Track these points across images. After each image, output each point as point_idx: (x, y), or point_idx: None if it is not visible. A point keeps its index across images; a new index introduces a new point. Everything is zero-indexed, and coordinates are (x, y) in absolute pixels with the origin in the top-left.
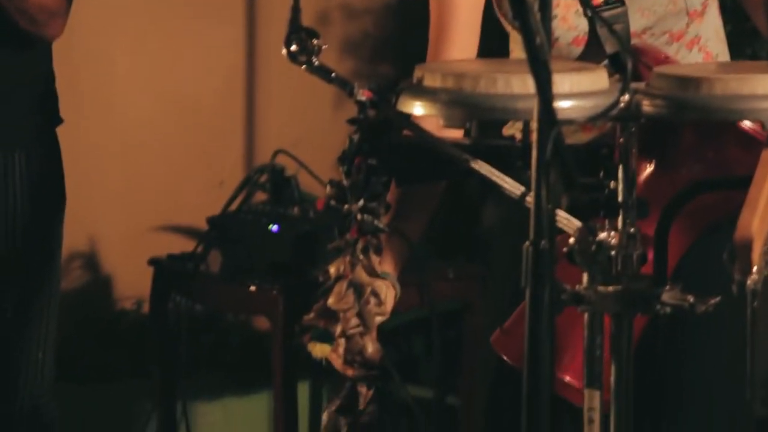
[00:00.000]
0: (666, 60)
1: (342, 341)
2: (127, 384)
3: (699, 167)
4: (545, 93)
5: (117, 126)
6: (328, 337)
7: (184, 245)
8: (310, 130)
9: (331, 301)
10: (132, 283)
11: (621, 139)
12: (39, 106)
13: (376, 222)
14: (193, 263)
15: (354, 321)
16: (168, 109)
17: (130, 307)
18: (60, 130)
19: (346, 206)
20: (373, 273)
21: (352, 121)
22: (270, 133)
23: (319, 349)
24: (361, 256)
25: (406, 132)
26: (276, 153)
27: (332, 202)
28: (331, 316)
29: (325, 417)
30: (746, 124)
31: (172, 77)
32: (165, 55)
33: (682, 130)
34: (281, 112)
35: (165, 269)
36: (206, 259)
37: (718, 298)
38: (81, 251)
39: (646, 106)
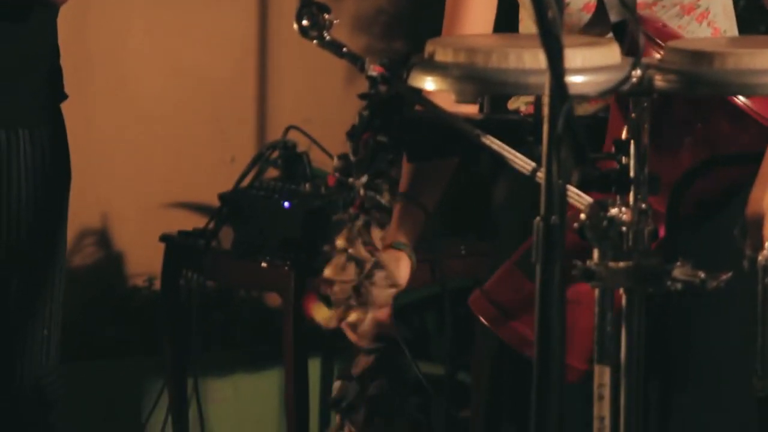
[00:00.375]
0: (663, 28)
1: (351, 312)
2: (139, 360)
3: (690, 141)
4: (557, 68)
5: (129, 102)
6: (329, 304)
7: (197, 222)
8: (322, 106)
9: (327, 272)
10: (144, 259)
11: (633, 114)
12: (43, 82)
13: (378, 198)
14: (204, 240)
15: (351, 294)
16: (180, 85)
17: (142, 283)
18: (72, 107)
19: (350, 180)
20: (373, 248)
21: (363, 96)
22: (282, 109)
23: (322, 313)
24: (362, 231)
25: (417, 107)
26: (288, 129)
27: (337, 176)
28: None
29: (335, 386)
30: (739, 99)
31: (185, 53)
32: (177, 31)
33: (673, 104)
34: (294, 88)
35: (176, 246)
36: (218, 236)
37: (729, 274)
38: (93, 228)
39: (659, 81)
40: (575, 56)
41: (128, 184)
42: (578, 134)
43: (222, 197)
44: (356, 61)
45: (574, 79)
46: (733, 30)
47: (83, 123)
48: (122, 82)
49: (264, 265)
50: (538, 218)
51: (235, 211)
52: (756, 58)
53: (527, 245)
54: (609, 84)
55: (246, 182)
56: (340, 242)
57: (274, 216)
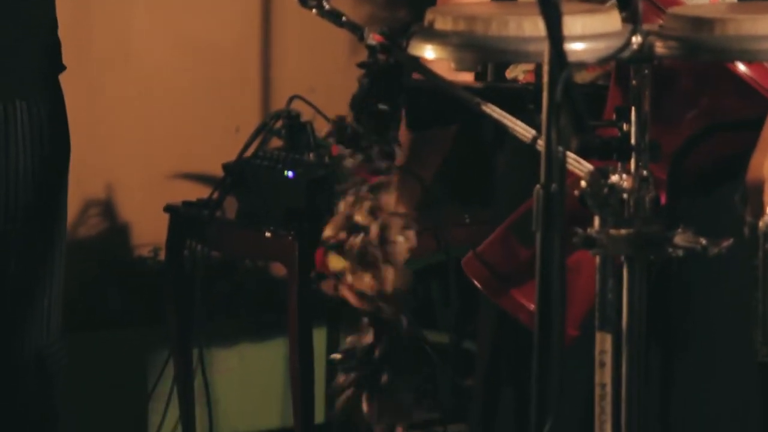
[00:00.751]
0: None
1: (355, 275)
2: (144, 331)
3: (693, 114)
4: (556, 35)
5: (133, 73)
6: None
7: (202, 192)
8: (326, 75)
9: (327, 232)
10: (149, 230)
11: (634, 81)
12: (41, 54)
13: (385, 163)
14: (208, 210)
15: (358, 257)
16: (184, 55)
17: (147, 254)
18: (75, 78)
19: (350, 151)
20: (381, 212)
21: (362, 65)
22: (286, 78)
23: (335, 261)
24: (371, 196)
25: (417, 76)
26: (291, 99)
27: (331, 140)
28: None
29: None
30: (744, 71)
31: (188, 23)
32: (181, 1)
33: (678, 77)
34: (297, 57)
35: (180, 216)
36: (222, 206)
37: (731, 241)
38: (98, 199)
39: (659, 47)
40: (575, 23)
41: (133, 155)
42: (577, 102)
43: (226, 167)
44: (356, 30)
45: (574, 47)
46: None
47: (87, 94)
48: (126, 52)
49: (268, 235)
50: (538, 186)
51: (239, 181)
52: (757, 23)
53: (522, 210)
54: (608, 51)
55: (250, 152)
56: (344, 206)
57: (278, 186)
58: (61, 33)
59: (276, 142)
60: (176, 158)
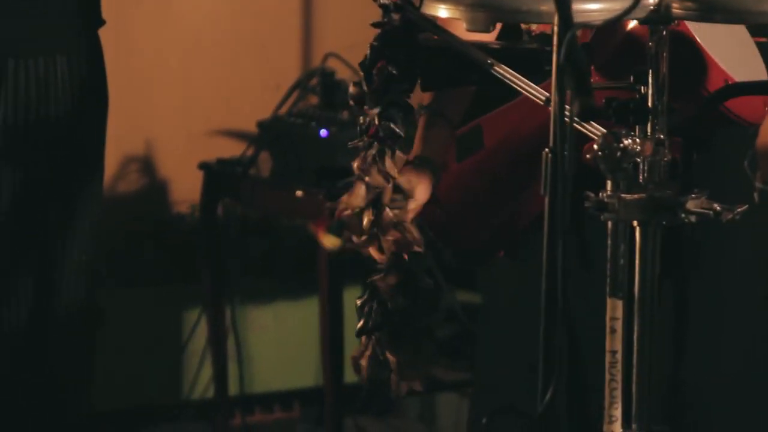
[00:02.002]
0: None
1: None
2: (180, 288)
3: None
4: None
5: (172, 29)
6: (340, 231)
7: (241, 149)
8: (367, 32)
9: (344, 198)
10: (187, 187)
11: (651, 43)
12: (80, 8)
13: (392, 126)
14: (242, 167)
15: (365, 220)
16: (224, 11)
17: (185, 210)
18: (115, 34)
19: (365, 108)
20: (387, 176)
21: (376, 25)
22: (326, 35)
23: (329, 241)
24: (377, 158)
25: (431, 36)
26: (326, 56)
27: (352, 103)
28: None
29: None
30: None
31: None
32: None
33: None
34: (338, 14)
35: (214, 174)
36: (256, 164)
37: (746, 207)
38: (137, 155)
39: (676, 8)
40: None
41: (172, 112)
42: (580, 63)
43: (260, 125)
44: None
45: (590, 6)
46: None
47: (128, 50)
48: (166, 8)
49: (299, 193)
50: (546, 150)
51: (274, 139)
52: None
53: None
54: (618, 12)
55: (285, 110)
56: (354, 168)
57: (311, 144)
58: None
59: (314, 100)
60: (216, 115)
